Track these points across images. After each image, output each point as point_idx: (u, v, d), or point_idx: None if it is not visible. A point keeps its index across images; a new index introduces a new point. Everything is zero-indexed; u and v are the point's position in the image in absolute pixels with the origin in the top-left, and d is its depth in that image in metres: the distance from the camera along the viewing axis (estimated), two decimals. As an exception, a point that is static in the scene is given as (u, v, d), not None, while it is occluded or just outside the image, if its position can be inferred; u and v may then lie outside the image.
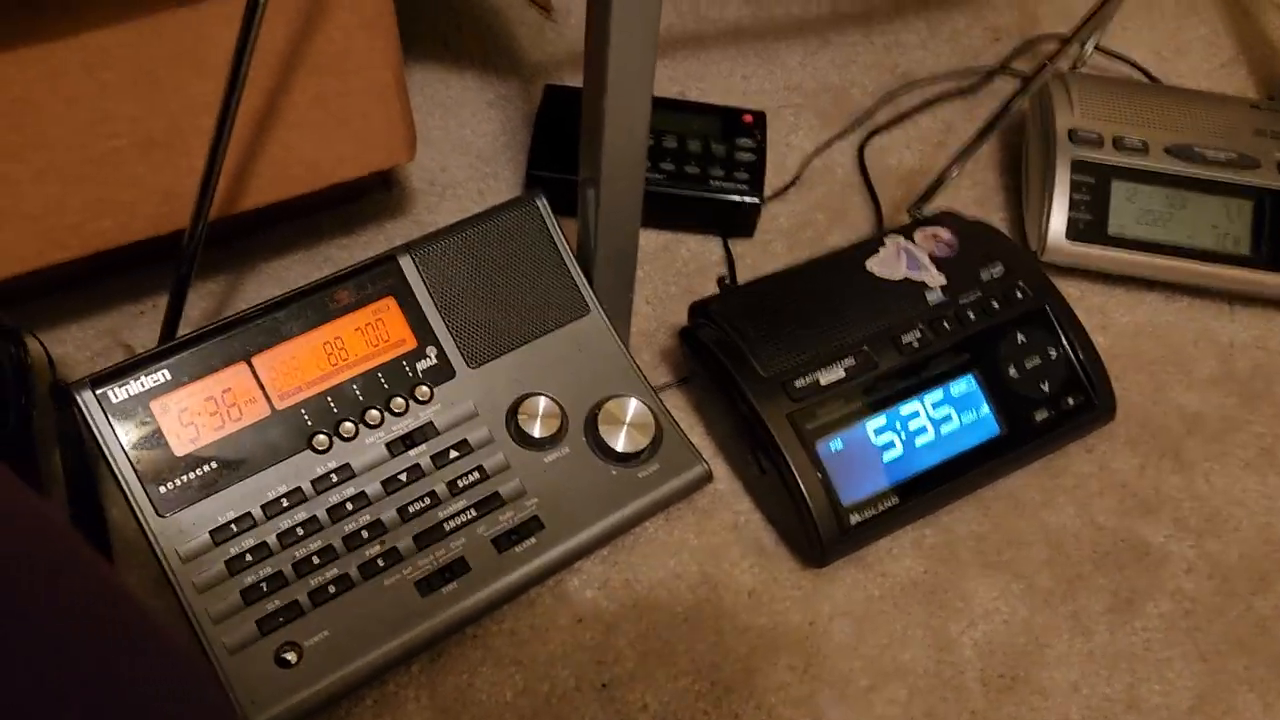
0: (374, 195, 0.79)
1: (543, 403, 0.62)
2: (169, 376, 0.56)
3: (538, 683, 0.60)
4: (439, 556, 0.58)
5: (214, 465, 0.56)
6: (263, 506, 0.57)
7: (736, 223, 0.79)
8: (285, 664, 0.54)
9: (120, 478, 0.55)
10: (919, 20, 0.97)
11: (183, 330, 0.61)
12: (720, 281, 0.76)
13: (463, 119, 0.85)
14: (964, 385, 0.67)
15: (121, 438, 0.55)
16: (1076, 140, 0.79)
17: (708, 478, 0.64)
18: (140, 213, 0.61)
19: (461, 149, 0.83)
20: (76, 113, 0.56)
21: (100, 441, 0.55)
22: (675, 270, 0.78)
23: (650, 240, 0.79)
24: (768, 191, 0.80)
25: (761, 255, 0.80)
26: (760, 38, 0.94)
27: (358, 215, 0.78)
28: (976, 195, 0.86)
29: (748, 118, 0.82)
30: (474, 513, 0.59)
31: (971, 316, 0.68)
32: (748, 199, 0.77)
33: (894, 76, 0.93)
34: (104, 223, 0.60)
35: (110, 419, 0.55)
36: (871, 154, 0.87)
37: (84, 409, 0.55)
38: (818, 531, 0.61)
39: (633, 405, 0.63)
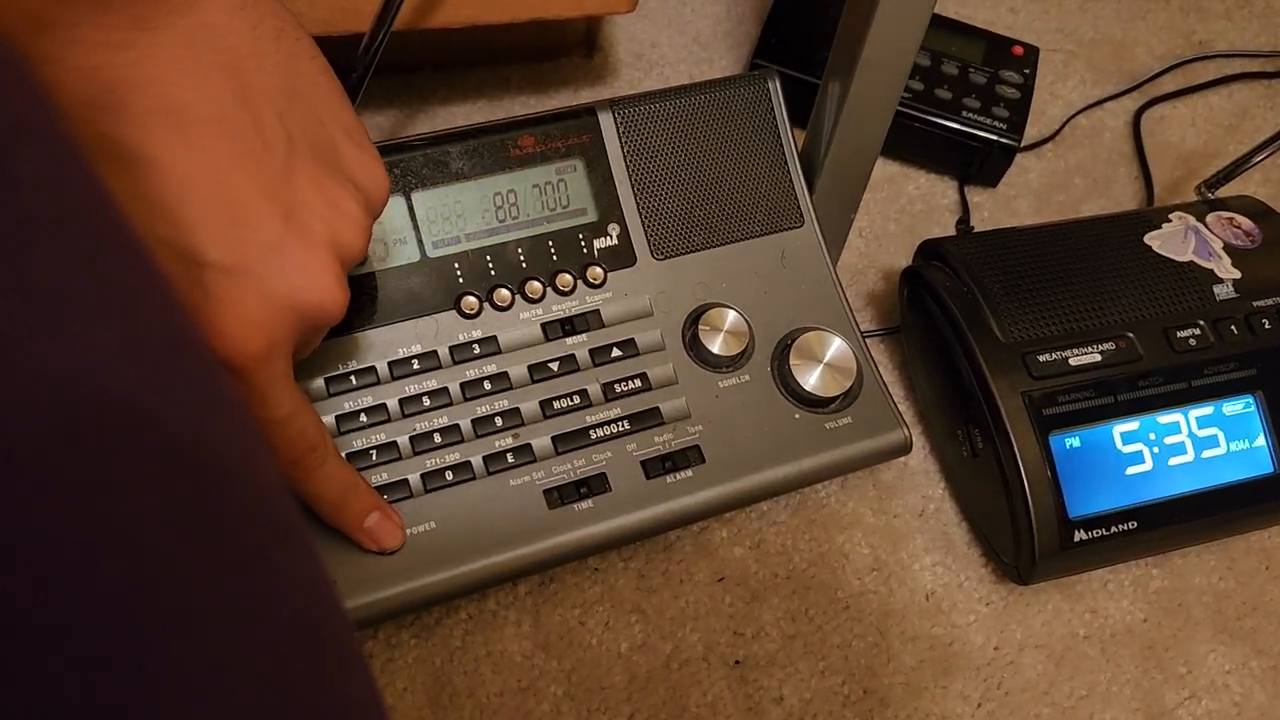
0: (573, 57, 0.69)
1: (730, 316, 0.52)
2: (316, 192, 0.48)
3: (660, 640, 0.50)
4: (577, 467, 0.49)
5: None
6: (390, 364, 0.48)
7: (982, 166, 0.66)
8: (380, 550, 0.46)
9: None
10: (1229, -15, 0.83)
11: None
12: (959, 224, 0.64)
13: (685, -4, 0.75)
14: (1241, 406, 0.54)
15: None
16: None
17: (906, 447, 0.52)
18: (320, 1, 0.52)
19: (678, 26, 0.73)
20: None
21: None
22: (898, 208, 0.67)
23: (875, 168, 0.67)
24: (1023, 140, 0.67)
25: (1002, 211, 0.67)
26: (1038, -30, 0.81)
27: (552, 76, 0.68)
28: (1270, 194, 0.71)
29: (1018, 49, 0.69)
30: (627, 425, 0.50)
31: (1266, 326, 0.55)
32: (1004, 139, 0.65)
33: (1188, 43, 0.79)
34: (279, 7, 0.52)
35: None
36: (1149, 123, 0.73)
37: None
38: (1033, 540, 0.50)
39: (835, 343, 0.52)
